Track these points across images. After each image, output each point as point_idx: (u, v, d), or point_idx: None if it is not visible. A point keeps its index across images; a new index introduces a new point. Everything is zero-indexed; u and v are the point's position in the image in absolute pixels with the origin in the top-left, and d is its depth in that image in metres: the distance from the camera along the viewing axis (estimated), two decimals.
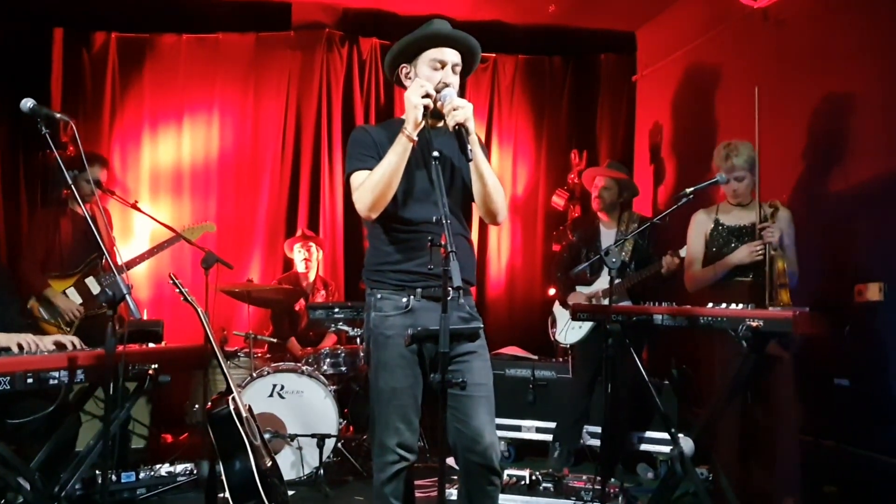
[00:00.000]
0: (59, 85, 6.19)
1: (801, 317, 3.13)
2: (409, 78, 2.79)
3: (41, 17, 6.10)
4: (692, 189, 3.70)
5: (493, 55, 7.07)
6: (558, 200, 6.59)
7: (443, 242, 2.28)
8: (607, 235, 5.04)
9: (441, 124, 2.67)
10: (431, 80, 2.68)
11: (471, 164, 2.61)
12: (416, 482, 3.00)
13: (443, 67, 2.72)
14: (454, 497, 2.86)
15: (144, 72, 6.44)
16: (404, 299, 2.70)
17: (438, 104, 2.60)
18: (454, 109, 2.53)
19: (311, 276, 5.99)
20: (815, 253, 4.31)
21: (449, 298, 2.33)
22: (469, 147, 2.50)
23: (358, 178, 2.70)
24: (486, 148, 6.97)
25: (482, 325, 2.71)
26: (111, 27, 6.37)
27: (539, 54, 7.16)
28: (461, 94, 2.70)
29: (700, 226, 4.22)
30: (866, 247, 4.23)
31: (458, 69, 2.77)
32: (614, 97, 7.10)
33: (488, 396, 2.70)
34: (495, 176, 2.75)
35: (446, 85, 2.66)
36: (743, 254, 3.93)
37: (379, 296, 2.74)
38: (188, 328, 5.37)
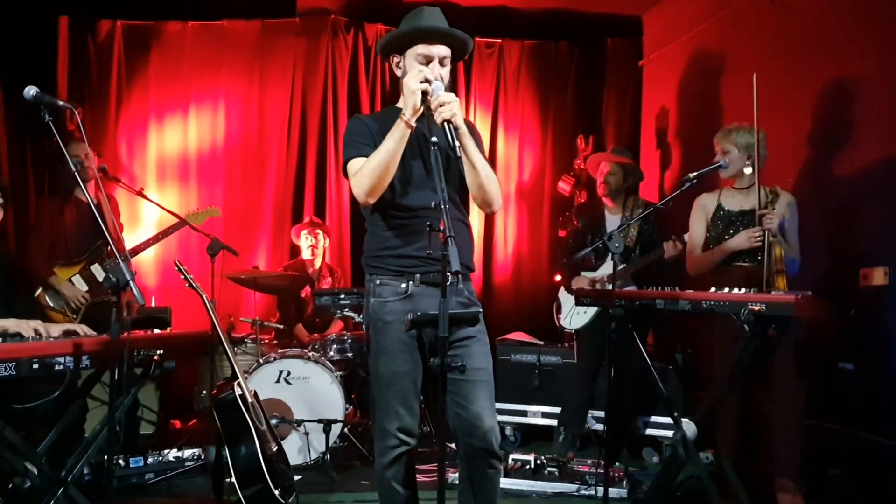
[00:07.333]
0: (66, 73, 6.20)
1: (804, 300, 3.14)
2: (399, 67, 2.80)
3: (47, 5, 6.09)
4: (696, 174, 3.70)
5: (499, 40, 7.04)
6: (564, 186, 6.56)
7: (441, 227, 2.28)
8: (612, 221, 5.03)
9: None
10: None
11: (462, 156, 2.60)
12: (420, 466, 3.01)
13: (428, 63, 2.71)
14: (456, 481, 2.88)
15: (150, 59, 6.45)
16: (403, 285, 2.71)
17: (429, 97, 2.58)
18: (440, 106, 2.51)
19: (318, 263, 6.00)
20: (819, 237, 4.30)
21: (448, 283, 2.34)
22: (457, 144, 2.49)
23: (355, 164, 2.72)
24: (492, 131, 6.87)
25: (481, 310, 2.73)
26: (116, 14, 6.37)
27: (545, 39, 7.12)
28: (452, 80, 2.70)
29: (702, 210, 4.22)
30: (871, 231, 4.21)
31: (448, 61, 2.76)
32: (621, 82, 7.06)
33: (488, 381, 2.71)
34: (488, 166, 2.75)
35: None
36: (741, 239, 3.94)
37: (378, 282, 2.75)
38: (197, 315, 5.39)
